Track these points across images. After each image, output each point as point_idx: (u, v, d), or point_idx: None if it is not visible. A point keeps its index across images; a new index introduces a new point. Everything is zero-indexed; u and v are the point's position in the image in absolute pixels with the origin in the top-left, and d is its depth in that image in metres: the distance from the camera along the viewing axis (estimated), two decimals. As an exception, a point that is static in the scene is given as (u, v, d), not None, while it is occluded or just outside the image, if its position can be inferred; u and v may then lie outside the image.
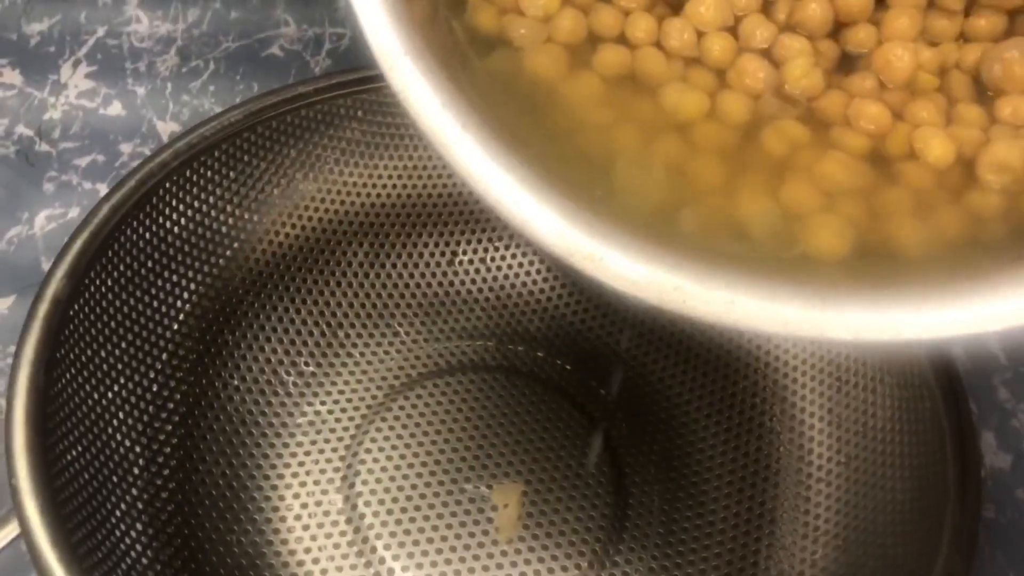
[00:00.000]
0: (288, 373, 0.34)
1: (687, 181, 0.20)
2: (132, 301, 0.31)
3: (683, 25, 0.22)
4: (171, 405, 0.32)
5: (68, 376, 0.28)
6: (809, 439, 0.32)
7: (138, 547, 0.28)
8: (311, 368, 0.34)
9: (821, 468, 0.32)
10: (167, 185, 0.32)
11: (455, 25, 0.22)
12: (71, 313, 0.29)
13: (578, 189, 0.19)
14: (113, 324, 0.31)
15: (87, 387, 0.29)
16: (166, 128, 0.42)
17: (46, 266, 0.38)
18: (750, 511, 0.32)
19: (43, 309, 0.28)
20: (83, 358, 0.29)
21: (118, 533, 0.28)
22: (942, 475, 0.28)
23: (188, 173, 0.33)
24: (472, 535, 0.31)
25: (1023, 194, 0.20)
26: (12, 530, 0.25)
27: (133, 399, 0.31)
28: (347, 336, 0.35)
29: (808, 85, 0.22)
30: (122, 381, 0.30)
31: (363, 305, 0.36)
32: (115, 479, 0.29)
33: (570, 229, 0.18)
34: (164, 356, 0.32)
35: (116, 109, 0.42)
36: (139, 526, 0.29)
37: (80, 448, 0.28)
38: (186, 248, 0.33)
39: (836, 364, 0.33)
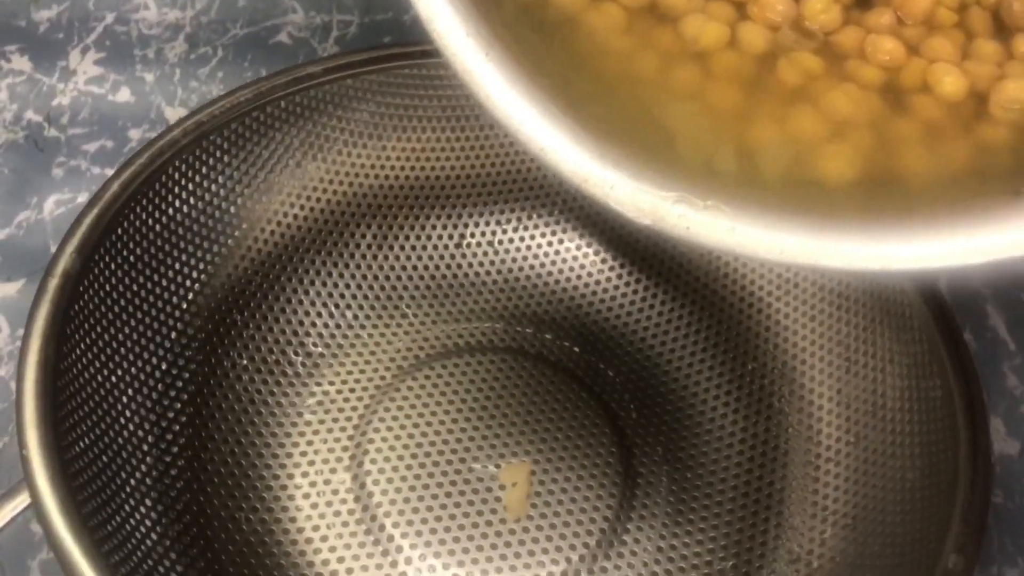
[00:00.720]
0: (296, 353, 0.34)
1: (704, 107, 0.21)
2: (141, 279, 0.31)
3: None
4: (180, 384, 0.32)
5: (78, 351, 0.28)
6: (818, 419, 0.32)
7: (148, 522, 0.28)
8: (319, 349, 0.34)
9: (830, 448, 0.32)
10: (176, 163, 0.32)
11: None
12: (81, 289, 0.29)
13: (597, 118, 0.20)
14: (123, 302, 0.31)
15: (97, 363, 0.29)
16: (174, 114, 0.42)
17: (55, 250, 0.38)
18: (759, 491, 0.32)
19: (53, 284, 0.28)
20: (93, 334, 0.29)
21: (128, 508, 0.28)
22: (952, 455, 0.28)
23: (197, 152, 0.33)
24: (480, 514, 0.31)
25: None
26: (23, 500, 0.25)
27: (142, 376, 0.31)
28: (355, 317, 0.35)
29: (826, 20, 0.22)
30: (131, 359, 0.31)
31: (371, 287, 0.36)
32: (124, 455, 0.29)
33: (586, 157, 0.19)
34: (173, 335, 0.32)
35: (125, 95, 0.42)
36: (148, 502, 0.29)
37: (90, 423, 0.28)
38: (195, 227, 0.33)
39: (845, 344, 0.33)
